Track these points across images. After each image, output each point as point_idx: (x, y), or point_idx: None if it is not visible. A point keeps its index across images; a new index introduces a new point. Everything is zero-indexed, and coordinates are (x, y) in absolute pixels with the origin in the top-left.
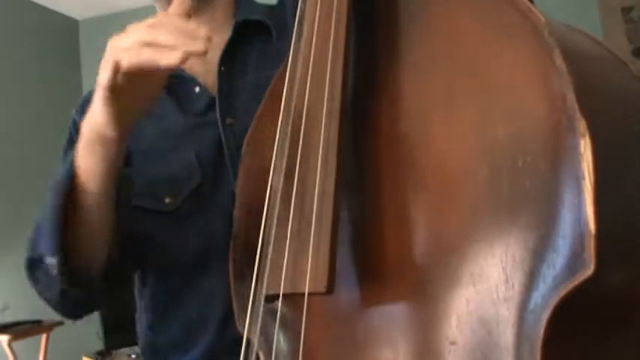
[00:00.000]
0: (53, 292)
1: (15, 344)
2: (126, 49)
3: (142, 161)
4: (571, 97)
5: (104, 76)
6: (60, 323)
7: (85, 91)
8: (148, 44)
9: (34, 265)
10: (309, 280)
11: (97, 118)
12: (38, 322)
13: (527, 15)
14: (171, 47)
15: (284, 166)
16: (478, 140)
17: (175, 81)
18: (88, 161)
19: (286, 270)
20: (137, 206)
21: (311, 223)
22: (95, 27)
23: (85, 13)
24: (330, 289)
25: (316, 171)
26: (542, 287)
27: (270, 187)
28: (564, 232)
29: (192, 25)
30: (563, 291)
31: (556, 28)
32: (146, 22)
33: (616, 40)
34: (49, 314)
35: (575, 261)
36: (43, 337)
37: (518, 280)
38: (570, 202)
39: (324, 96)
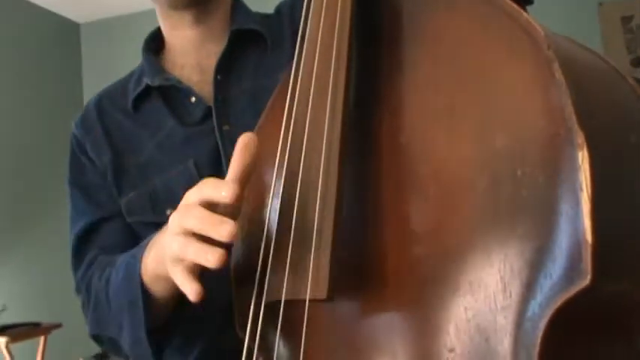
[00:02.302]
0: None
1: (13, 346)
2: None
3: (140, 175)
4: (569, 109)
5: (171, 254)
6: (58, 326)
7: (85, 93)
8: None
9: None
10: (310, 287)
11: (164, 270)
12: (36, 325)
13: (527, 28)
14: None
15: (286, 175)
16: (478, 150)
17: (172, 92)
18: (157, 286)
19: (287, 277)
20: (139, 221)
21: (313, 231)
22: (96, 30)
23: (87, 17)
24: (331, 296)
25: (318, 180)
26: (540, 296)
27: (272, 195)
28: (562, 242)
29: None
30: (560, 300)
31: (555, 41)
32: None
33: (615, 50)
34: (47, 316)
35: (572, 271)
36: (41, 339)
37: (515, 289)
38: (568, 213)
39: (326, 107)
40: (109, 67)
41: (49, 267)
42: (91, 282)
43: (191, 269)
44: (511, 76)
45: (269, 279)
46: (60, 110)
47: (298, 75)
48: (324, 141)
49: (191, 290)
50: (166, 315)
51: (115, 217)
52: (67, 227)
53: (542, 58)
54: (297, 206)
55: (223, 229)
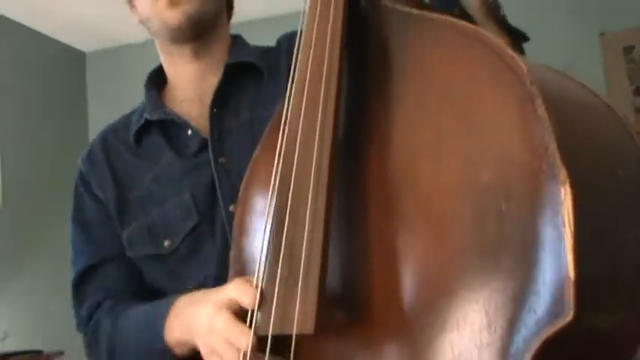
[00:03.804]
0: None
1: None
2: None
3: (140, 208)
4: (552, 146)
5: None
6: (60, 353)
7: (90, 123)
8: None
9: None
10: (297, 322)
11: (190, 339)
12: (38, 352)
13: (510, 64)
14: None
15: (275, 209)
16: (464, 185)
17: (170, 126)
18: (178, 348)
19: (275, 311)
20: (139, 255)
21: (300, 265)
22: (102, 59)
23: (92, 46)
24: (318, 330)
25: (306, 214)
26: (524, 331)
27: (265, 227)
28: (545, 277)
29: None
30: (544, 335)
31: (540, 76)
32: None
33: (617, 80)
34: (49, 344)
35: (555, 306)
36: None
37: (500, 324)
38: (551, 249)
39: (314, 139)
40: (115, 96)
41: (51, 295)
42: (99, 327)
43: None
44: (495, 111)
45: (258, 313)
46: (64, 139)
47: (289, 106)
48: (312, 173)
49: None
50: None
51: (116, 258)
52: (68, 256)
53: (524, 93)
54: (286, 240)
55: (242, 341)
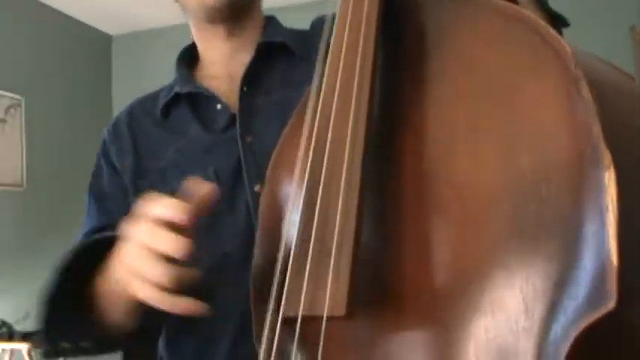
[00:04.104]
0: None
1: (35, 353)
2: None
3: (159, 178)
4: (597, 128)
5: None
6: None
7: (115, 105)
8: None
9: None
10: (328, 304)
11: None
12: None
13: (554, 45)
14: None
15: (307, 190)
16: (502, 169)
17: (199, 99)
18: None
19: (305, 292)
20: None
21: (332, 246)
22: (128, 43)
23: (119, 29)
24: (349, 312)
25: (339, 195)
26: (563, 319)
27: (293, 208)
28: (586, 264)
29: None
30: (583, 323)
31: (583, 58)
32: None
33: None
34: None
35: (596, 294)
36: None
37: (538, 310)
38: (593, 235)
39: (348, 122)
40: (138, 79)
41: None
42: None
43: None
44: (536, 93)
45: (287, 294)
46: (88, 121)
47: (322, 88)
48: (346, 156)
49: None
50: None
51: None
52: None
53: (569, 76)
54: (317, 221)
55: (175, 242)
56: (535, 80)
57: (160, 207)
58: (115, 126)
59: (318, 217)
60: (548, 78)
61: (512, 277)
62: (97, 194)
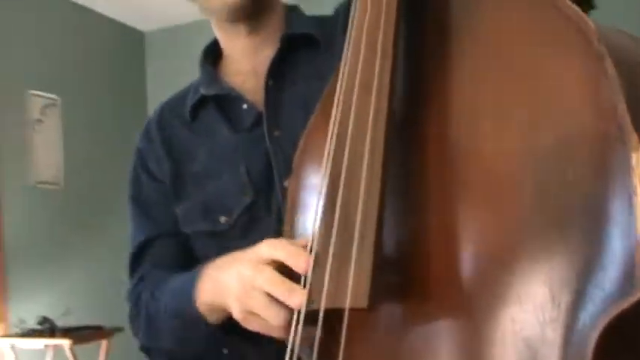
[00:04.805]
0: None
1: (76, 348)
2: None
3: (195, 183)
4: (622, 107)
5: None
6: (120, 329)
7: (149, 101)
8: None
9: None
10: (350, 295)
11: (222, 304)
12: (98, 328)
13: (578, 22)
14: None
15: (329, 180)
16: (526, 150)
17: (226, 100)
18: (210, 315)
19: (328, 285)
20: (193, 231)
21: (354, 237)
22: (160, 39)
23: (151, 26)
24: (372, 304)
25: (360, 184)
26: (591, 307)
27: (317, 199)
28: (613, 251)
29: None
30: (612, 312)
31: (607, 35)
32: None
33: None
34: (110, 320)
35: (625, 282)
36: (104, 342)
37: (565, 300)
38: (620, 219)
39: (369, 108)
40: (172, 74)
41: (113, 271)
42: (140, 296)
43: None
44: (560, 70)
45: (310, 286)
46: (124, 119)
47: (344, 75)
48: (367, 143)
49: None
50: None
51: (170, 234)
52: (127, 234)
53: (593, 52)
54: (340, 212)
55: (295, 296)
56: (559, 57)
57: (282, 253)
58: (147, 133)
59: (340, 208)
60: (573, 55)
61: (538, 266)
62: (140, 203)
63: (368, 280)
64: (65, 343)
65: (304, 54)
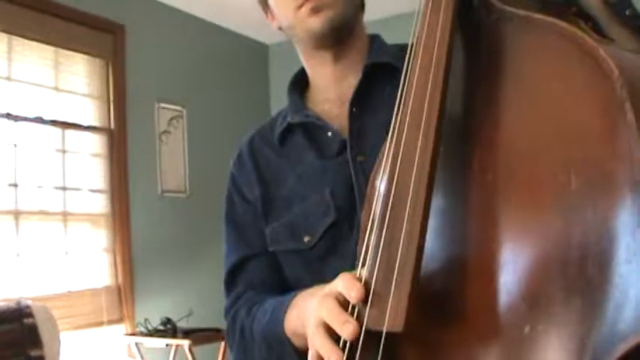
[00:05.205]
0: None
1: (196, 349)
2: None
3: (284, 206)
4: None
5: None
6: None
7: (272, 111)
8: None
9: None
10: (388, 319)
11: (303, 331)
12: (217, 330)
13: (603, 67)
14: None
15: (380, 209)
16: (555, 193)
17: (311, 128)
18: (294, 338)
19: (370, 307)
20: (280, 250)
21: (395, 264)
22: (284, 51)
23: (274, 38)
24: (407, 328)
25: (404, 214)
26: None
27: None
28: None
29: None
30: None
31: (631, 76)
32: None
33: None
34: None
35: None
36: (222, 344)
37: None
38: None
39: (417, 140)
40: None
41: None
42: (237, 315)
43: None
44: (586, 117)
45: (357, 308)
46: (248, 129)
47: (400, 108)
48: (413, 175)
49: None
50: None
51: (261, 254)
52: None
53: (615, 98)
54: (384, 239)
55: (346, 328)
56: (584, 103)
57: (341, 285)
58: (240, 158)
59: (385, 236)
60: (597, 99)
61: (567, 321)
62: (234, 224)
63: (405, 305)
64: (185, 343)
65: (386, 82)
